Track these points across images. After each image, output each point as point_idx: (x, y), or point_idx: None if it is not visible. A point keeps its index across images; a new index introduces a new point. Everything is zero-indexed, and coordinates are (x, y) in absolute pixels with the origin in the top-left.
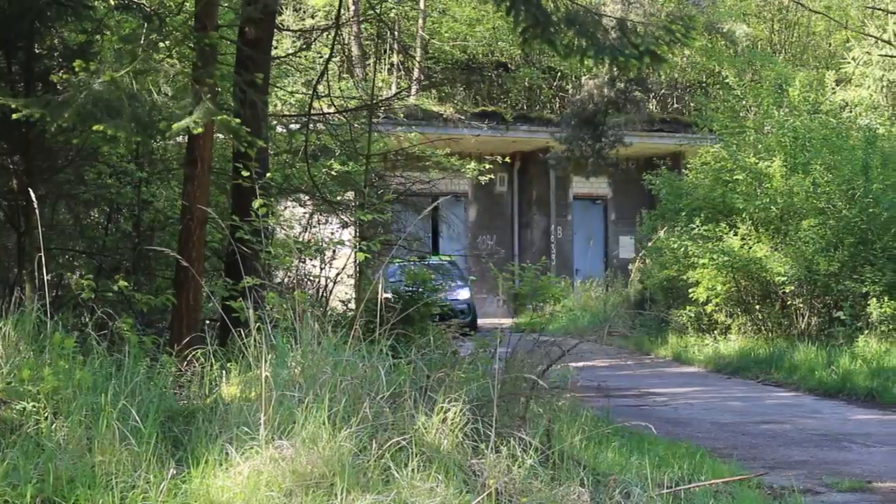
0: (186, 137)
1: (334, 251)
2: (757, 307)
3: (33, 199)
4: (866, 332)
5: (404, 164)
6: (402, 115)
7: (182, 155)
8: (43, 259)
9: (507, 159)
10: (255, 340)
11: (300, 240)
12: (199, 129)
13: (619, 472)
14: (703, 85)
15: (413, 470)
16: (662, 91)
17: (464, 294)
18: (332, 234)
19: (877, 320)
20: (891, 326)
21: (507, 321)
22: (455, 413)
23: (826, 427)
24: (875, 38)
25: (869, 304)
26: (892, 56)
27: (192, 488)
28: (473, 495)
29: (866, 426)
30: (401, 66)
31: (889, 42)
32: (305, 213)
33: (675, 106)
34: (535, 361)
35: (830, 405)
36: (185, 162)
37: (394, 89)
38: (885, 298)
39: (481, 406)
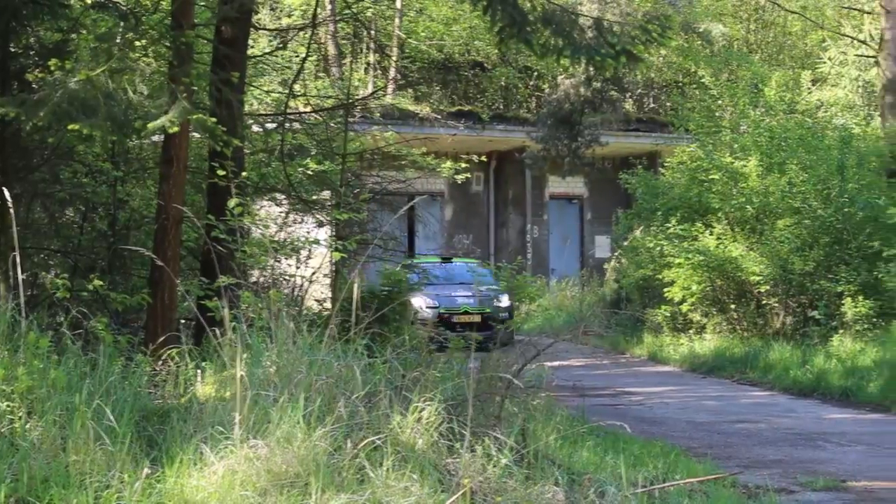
0: (162, 136)
1: (310, 250)
2: (732, 306)
3: (8, 198)
4: (841, 331)
5: (380, 163)
6: (378, 114)
7: (158, 154)
8: (18, 258)
9: (484, 159)
10: (230, 340)
11: (276, 239)
12: (175, 129)
13: (593, 471)
14: (680, 85)
15: (388, 469)
16: (639, 91)
17: (504, 301)
18: (308, 233)
19: (851, 320)
20: (865, 326)
21: None
22: (430, 412)
23: (801, 426)
24: (851, 37)
25: (844, 304)
26: (867, 56)
27: (167, 488)
28: (448, 494)
29: (841, 425)
30: (377, 66)
31: (864, 42)
32: (281, 212)
33: (652, 106)
34: (511, 361)
35: (805, 404)
36: (161, 161)
37: (370, 88)
38: (860, 298)
39: (456, 405)
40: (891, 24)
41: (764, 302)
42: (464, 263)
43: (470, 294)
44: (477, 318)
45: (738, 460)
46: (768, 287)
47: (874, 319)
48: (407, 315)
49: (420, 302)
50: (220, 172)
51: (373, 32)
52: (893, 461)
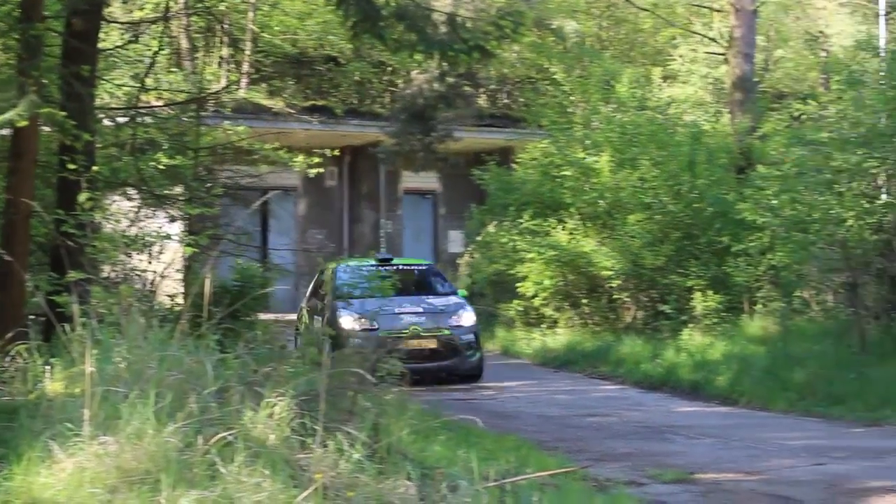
0: (11, 130)
1: (162, 245)
2: (584, 301)
3: None
4: (691, 325)
5: (233, 157)
6: (231, 108)
7: (6, 148)
8: None
9: (337, 153)
10: (80, 335)
11: (127, 234)
12: (24, 122)
13: (446, 465)
14: (533, 81)
15: (239, 465)
16: (492, 86)
17: (468, 318)
18: (160, 228)
19: (701, 314)
20: (714, 320)
21: None
22: (282, 408)
23: (651, 419)
24: (701, 35)
25: (693, 298)
26: (717, 54)
27: (14, 486)
28: (300, 490)
29: (690, 418)
30: (230, 60)
31: (714, 40)
32: (133, 207)
33: (505, 101)
34: (364, 355)
35: (655, 398)
36: (10, 155)
37: (223, 83)
38: (709, 292)
39: (309, 400)
40: (740, 22)
41: (615, 296)
42: (409, 266)
43: (420, 310)
44: (431, 344)
45: (589, 454)
46: (620, 282)
47: (723, 313)
48: (339, 340)
49: (350, 322)
50: (71, 167)
51: (226, 26)
52: (741, 453)
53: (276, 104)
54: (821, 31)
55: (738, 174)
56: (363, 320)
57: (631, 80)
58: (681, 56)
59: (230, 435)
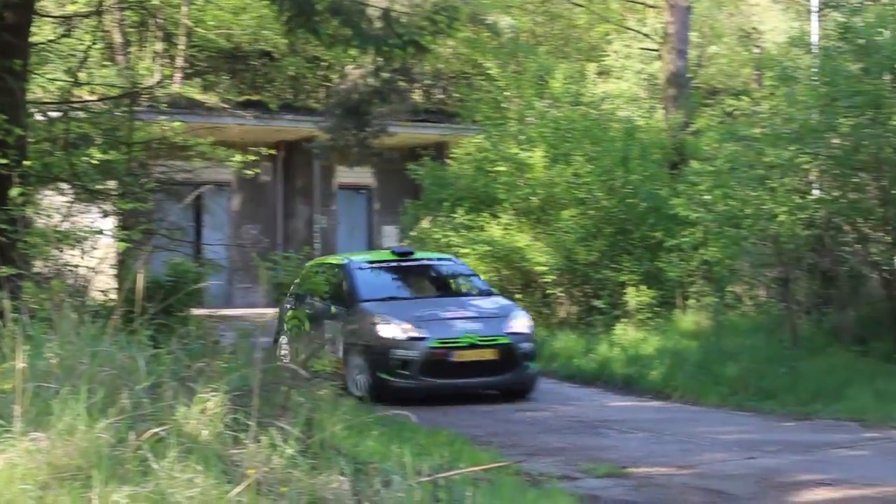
0: None
1: (94, 241)
2: (518, 296)
3: None
4: (624, 320)
5: (167, 152)
6: (165, 103)
7: None
8: None
9: (272, 152)
10: (11, 331)
11: (59, 229)
12: None
13: (379, 460)
14: (468, 76)
15: (172, 461)
16: (427, 81)
17: (524, 322)
18: (93, 223)
19: (634, 308)
20: (647, 315)
21: (271, 311)
22: (215, 403)
23: (584, 414)
24: (635, 31)
25: (626, 293)
26: (651, 49)
27: None
28: (233, 485)
29: (623, 412)
30: (164, 55)
31: (648, 36)
32: (65, 202)
33: (440, 96)
34: (297, 350)
35: (589, 392)
36: None
37: (157, 77)
38: (643, 287)
39: (242, 396)
40: (674, 18)
41: (549, 291)
42: (431, 260)
43: (472, 314)
44: (490, 355)
45: (523, 448)
46: (554, 277)
47: (656, 308)
48: (376, 350)
49: (393, 330)
50: (2, 161)
51: (159, 21)
52: (673, 447)
53: (211, 99)
54: (754, 28)
55: (671, 170)
56: (408, 327)
57: (565, 75)
58: (615, 52)
59: (163, 431)
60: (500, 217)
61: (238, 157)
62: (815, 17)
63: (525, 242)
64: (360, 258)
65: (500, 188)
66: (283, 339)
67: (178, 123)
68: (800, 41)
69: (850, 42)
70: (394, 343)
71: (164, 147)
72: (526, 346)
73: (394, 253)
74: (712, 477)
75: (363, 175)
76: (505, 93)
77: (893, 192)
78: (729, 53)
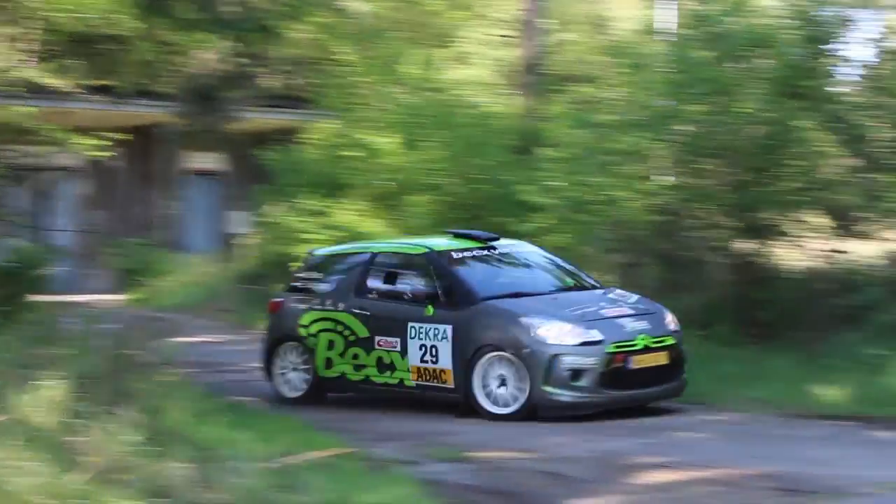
0: None
1: None
2: None
3: None
4: None
5: (15, 137)
6: (16, 87)
7: None
8: None
9: (123, 137)
10: None
11: None
12: None
13: (225, 447)
14: (322, 61)
15: (11, 449)
16: (280, 67)
17: (673, 319)
18: None
19: None
20: None
21: (119, 297)
22: (57, 391)
23: None
24: (489, 18)
25: None
26: (505, 36)
27: None
28: (76, 474)
29: None
30: (16, 38)
31: (503, 21)
32: None
33: (293, 82)
34: (142, 337)
35: None
36: None
37: (8, 61)
38: None
39: (86, 383)
40: (528, 6)
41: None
42: (519, 250)
43: (630, 311)
44: (663, 359)
45: (372, 433)
46: None
47: None
48: (534, 359)
49: (560, 335)
50: None
51: (11, 4)
52: (516, 432)
53: (62, 83)
54: (605, 16)
55: (521, 156)
56: (579, 330)
57: (419, 61)
58: (469, 38)
59: (4, 419)
60: (354, 203)
61: (88, 142)
62: (674, 6)
63: (377, 228)
64: (437, 246)
65: (352, 174)
66: (287, 350)
67: (29, 110)
68: (651, 29)
69: (702, 30)
70: (563, 349)
71: (12, 132)
72: (685, 347)
73: (477, 239)
74: (554, 460)
75: (214, 161)
76: (358, 78)
77: (743, 178)
78: (581, 40)
